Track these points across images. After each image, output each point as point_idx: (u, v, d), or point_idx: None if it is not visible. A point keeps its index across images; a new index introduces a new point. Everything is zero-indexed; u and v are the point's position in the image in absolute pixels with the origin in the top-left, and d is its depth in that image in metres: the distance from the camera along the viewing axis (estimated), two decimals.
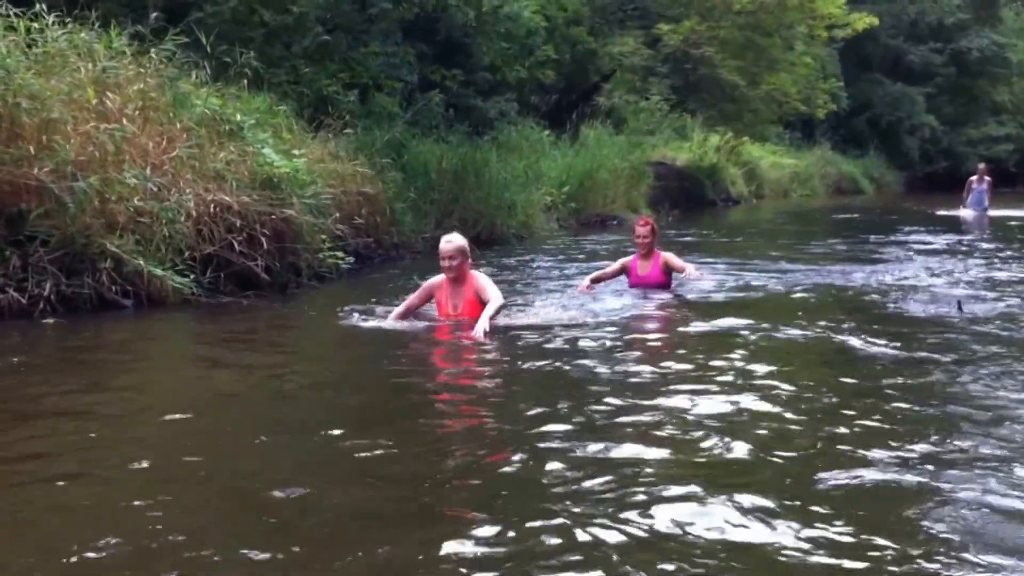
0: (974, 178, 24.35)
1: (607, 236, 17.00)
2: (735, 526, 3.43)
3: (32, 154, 7.88)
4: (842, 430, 4.64)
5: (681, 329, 7.68)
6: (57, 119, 8.20)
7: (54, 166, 7.89)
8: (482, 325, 7.01)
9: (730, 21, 24.47)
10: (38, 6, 9.12)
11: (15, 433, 4.64)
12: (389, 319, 7.55)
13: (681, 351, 6.76)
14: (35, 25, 8.97)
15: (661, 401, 5.13)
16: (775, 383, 5.61)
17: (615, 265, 9.74)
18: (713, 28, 24.61)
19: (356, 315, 7.79)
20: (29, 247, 7.77)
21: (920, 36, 48.88)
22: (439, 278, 7.68)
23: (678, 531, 3.40)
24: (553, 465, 4.05)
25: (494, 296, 7.41)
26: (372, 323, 7.56)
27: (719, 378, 5.70)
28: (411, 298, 7.74)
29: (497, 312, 7.32)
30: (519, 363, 6.24)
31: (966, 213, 23.43)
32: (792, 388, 5.48)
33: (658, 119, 27.89)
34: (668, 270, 9.50)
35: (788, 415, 4.91)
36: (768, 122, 30.22)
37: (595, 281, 9.48)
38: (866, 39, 37.48)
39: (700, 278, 9.73)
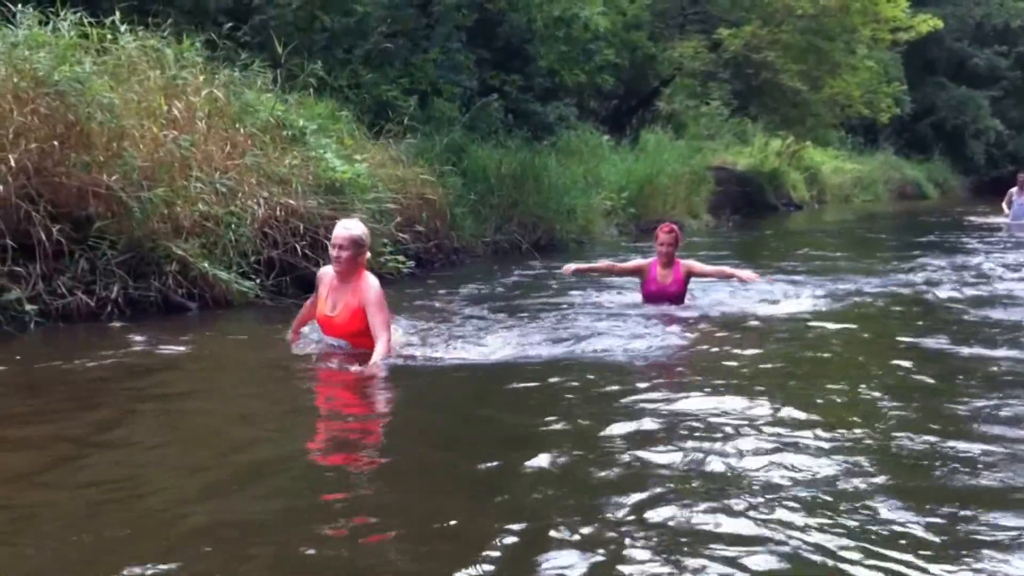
0: (1014, 189, 22.37)
1: None
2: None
3: (101, 161, 8.03)
4: (911, 443, 4.57)
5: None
6: (127, 126, 8.34)
7: (122, 173, 8.03)
8: (375, 370, 5.85)
9: (792, 25, 24.15)
10: (116, 15, 9.28)
11: (75, 426, 4.71)
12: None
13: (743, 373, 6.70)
14: (108, 34, 9.13)
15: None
16: (843, 387, 5.56)
17: (631, 264, 8.96)
18: (774, 32, 24.31)
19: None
20: (97, 251, 7.92)
21: (985, 39, 48.05)
22: (328, 269, 6.54)
23: None
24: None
25: (381, 334, 6.08)
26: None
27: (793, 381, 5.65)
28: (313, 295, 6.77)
29: (389, 354, 6.05)
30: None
31: (1013, 222, 22.23)
32: (867, 395, 5.43)
33: (718, 124, 27.64)
34: (689, 279, 8.69)
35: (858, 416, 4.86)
36: (830, 126, 29.83)
37: (588, 271, 9.19)
38: (930, 42, 36.84)
39: (768, 281, 9.35)
